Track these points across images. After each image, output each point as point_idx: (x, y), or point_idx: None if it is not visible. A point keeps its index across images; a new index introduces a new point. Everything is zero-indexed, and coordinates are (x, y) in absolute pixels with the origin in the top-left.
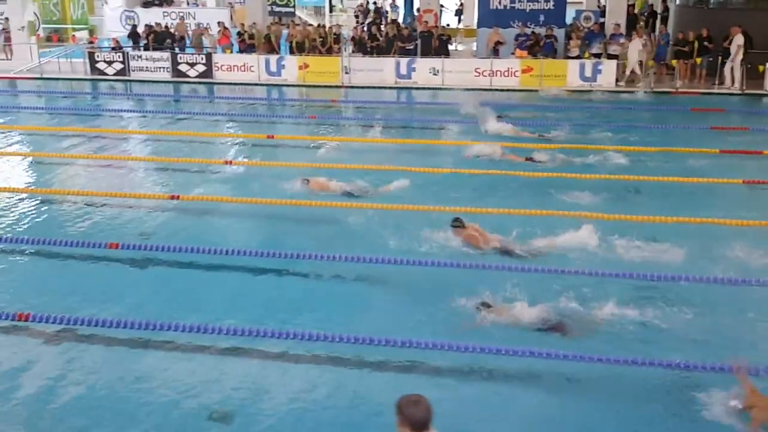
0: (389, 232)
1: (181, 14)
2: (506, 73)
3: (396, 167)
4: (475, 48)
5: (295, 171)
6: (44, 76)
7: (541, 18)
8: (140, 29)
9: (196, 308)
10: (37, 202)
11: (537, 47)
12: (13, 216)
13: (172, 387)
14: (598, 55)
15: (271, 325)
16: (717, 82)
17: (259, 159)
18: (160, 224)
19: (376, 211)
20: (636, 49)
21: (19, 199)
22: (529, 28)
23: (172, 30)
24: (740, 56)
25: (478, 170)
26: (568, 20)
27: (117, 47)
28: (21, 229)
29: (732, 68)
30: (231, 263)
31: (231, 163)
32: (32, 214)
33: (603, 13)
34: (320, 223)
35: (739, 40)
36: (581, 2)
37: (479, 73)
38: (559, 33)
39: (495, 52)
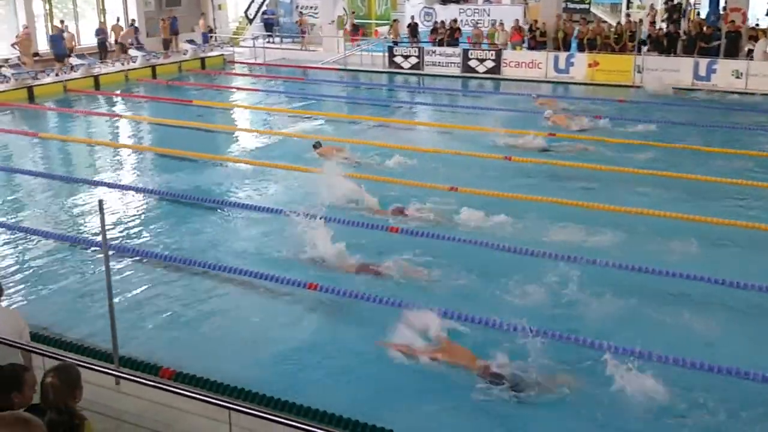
0: None
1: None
2: None
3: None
4: None
5: (575, 171)
6: (348, 67)
7: None
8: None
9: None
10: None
11: None
12: (304, 193)
13: None
14: None
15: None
16: None
17: (539, 157)
18: (440, 213)
19: None
20: None
21: (309, 180)
22: None
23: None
24: None
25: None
26: None
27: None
28: (314, 205)
29: None
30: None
31: (510, 159)
32: (320, 194)
33: None
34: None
35: None
36: None
37: None
38: None
39: None
